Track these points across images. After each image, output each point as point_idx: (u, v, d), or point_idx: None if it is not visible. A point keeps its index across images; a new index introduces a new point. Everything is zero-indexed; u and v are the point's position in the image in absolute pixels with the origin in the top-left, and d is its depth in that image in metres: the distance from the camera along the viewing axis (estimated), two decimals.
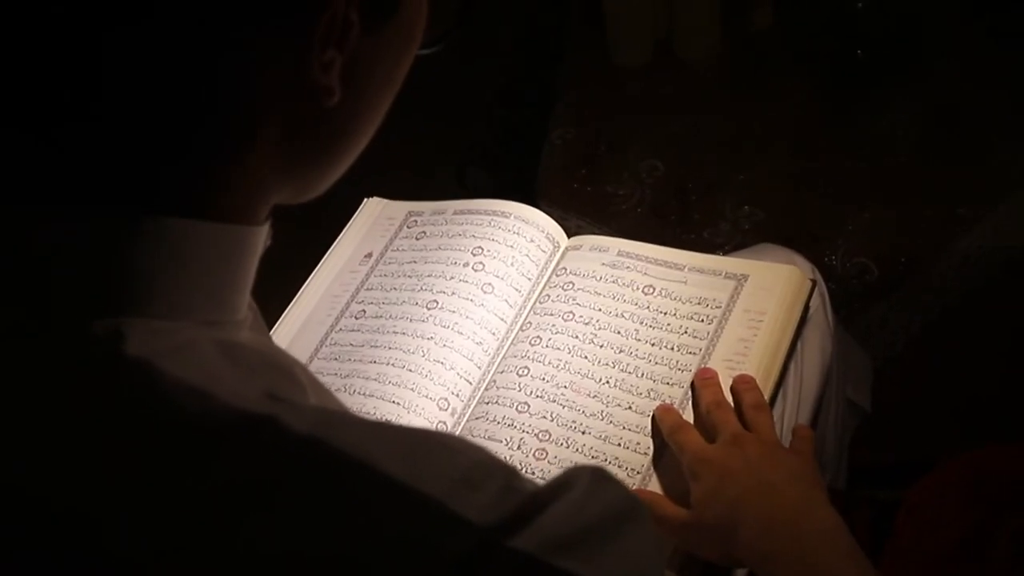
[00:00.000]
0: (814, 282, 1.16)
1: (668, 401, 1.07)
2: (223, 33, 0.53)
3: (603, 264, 1.19)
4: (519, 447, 1.06)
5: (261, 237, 0.62)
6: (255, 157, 0.58)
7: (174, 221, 0.56)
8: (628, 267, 1.18)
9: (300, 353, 1.21)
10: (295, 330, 1.24)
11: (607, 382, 1.10)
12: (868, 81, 2.30)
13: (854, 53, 2.32)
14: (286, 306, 1.28)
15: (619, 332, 1.13)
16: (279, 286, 1.30)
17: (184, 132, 0.55)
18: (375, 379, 1.14)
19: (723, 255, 1.26)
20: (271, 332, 1.24)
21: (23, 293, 0.54)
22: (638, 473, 1.03)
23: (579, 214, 2.08)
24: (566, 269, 1.21)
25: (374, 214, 1.35)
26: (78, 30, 0.52)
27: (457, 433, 1.10)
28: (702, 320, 1.12)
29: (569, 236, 1.27)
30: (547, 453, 1.06)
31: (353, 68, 0.58)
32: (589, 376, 1.11)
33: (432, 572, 0.50)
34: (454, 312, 1.18)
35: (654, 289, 1.16)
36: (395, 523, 0.51)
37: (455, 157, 2.23)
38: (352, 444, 0.52)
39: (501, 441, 1.07)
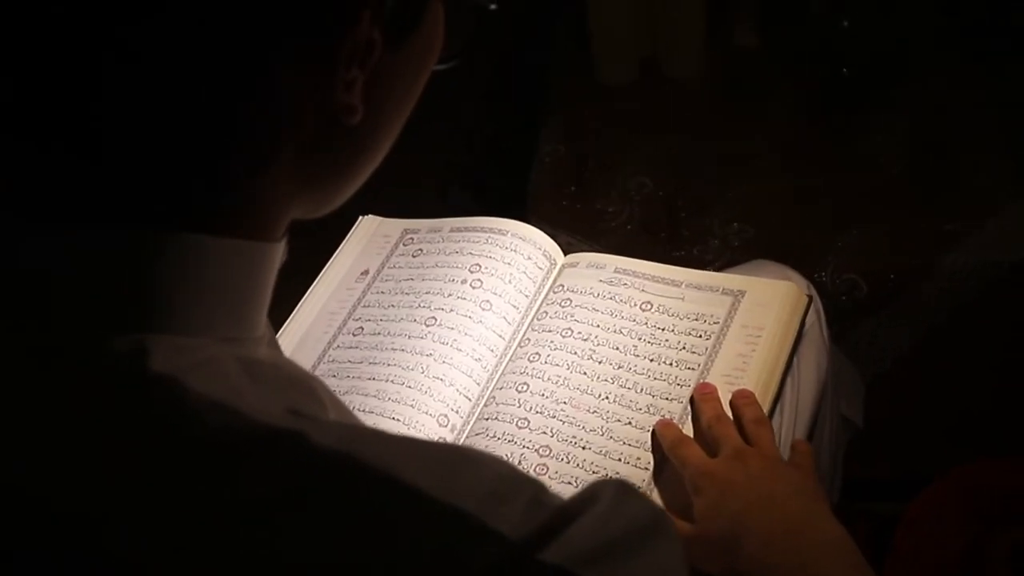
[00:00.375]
0: (810, 298, 1.17)
1: (667, 416, 1.07)
2: (249, 53, 0.53)
3: (600, 281, 1.20)
4: (520, 463, 1.06)
5: (279, 253, 0.62)
6: (276, 174, 0.58)
7: (196, 237, 0.56)
8: (625, 284, 1.19)
9: None
10: (292, 347, 1.25)
11: (606, 397, 1.10)
12: (854, 100, 2.31)
13: (839, 72, 2.34)
14: (282, 323, 1.28)
15: (617, 348, 1.14)
16: (274, 304, 1.30)
17: (207, 150, 0.55)
18: (374, 395, 1.14)
19: (716, 270, 1.27)
20: None
21: (47, 309, 0.54)
22: (639, 488, 1.03)
23: (569, 231, 2.08)
24: (563, 286, 1.21)
25: (369, 231, 1.36)
26: (104, 48, 0.52)
27: None
28: (700, 336, 1.13)
29: (563, 252, 1.27)
30: (548, 468, 1.06)
31: (374, 86, 0.59)
32: (588, 392, 1.11)
33: None
34: (452, 329, 1.18)
35: (652, 305, 1.17)
36: (426, 537, 0.51)
37: (436, 177, 2.23)
38: (379, 458, 0.52)
39: (502, 457, 1.07)
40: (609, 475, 1.04)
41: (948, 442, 1.73)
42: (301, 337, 1.25)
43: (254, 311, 0.61)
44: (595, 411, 1.09)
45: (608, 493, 0.56)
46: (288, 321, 1.28)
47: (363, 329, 1.23)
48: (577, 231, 2.11)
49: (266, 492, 0.51)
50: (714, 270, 1.27)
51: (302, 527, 0.50)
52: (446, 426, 1.11)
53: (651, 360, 1.12)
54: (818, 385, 1.20)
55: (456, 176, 2.21)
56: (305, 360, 1.22)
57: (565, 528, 0.52)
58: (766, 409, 1.06)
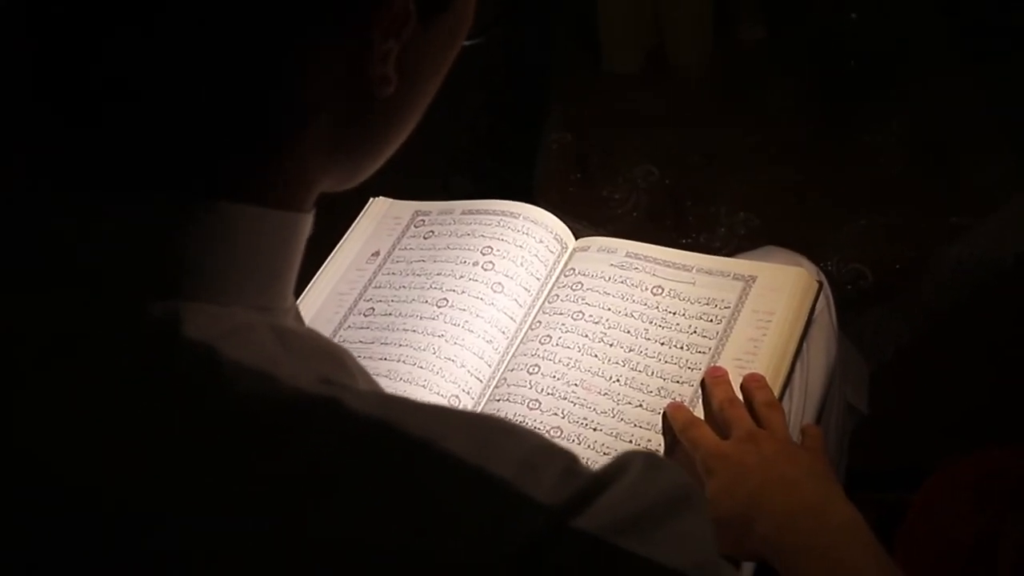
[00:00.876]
0: (821, 284, 1.17)
1: (678, 399, 1.08)
2: (288, 23, 0.54)
3: (611, 265, 1.20)
4: None
5: (309, 223, 0.63)
6: (309, 144, 0.59)
7: (230, 206, 0.56)
8: (636, 268, 1.19)
9: None
10: None
11: (617, 380, 1.11)
12: (860, 92, 2.32)
13: (846, 64, 2.34)
14: None
15: (629, 331, 1.14)
16: None
17: (242, 119, 0.56)
18: (386, 376, 1.14)
19: (737, 255, 1.27)
20: None
21: (81, 276, 0.55)
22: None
23: (574, 217, 2.09)
24: (575, 270, 1.21)
25: (380, 213, 1.36)
26: (142, 16, 0.52)
27: None
28: (711, 320, 1.14)
29: None
30: None
31: (406, 58, 0.59)
32: (600, 374, 1.11)
33: (502, 553, 0.50)
34: (464, 310, 1.18)
35: (663, 290, 1.17)
36: (464, 505, 0.51)
37: (439, 166, 2.23)
38: (416, 427, 0.53)
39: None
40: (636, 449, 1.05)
41: (951, 432, 1.74)
42: (311, 318, 1.26)
43: (284, 281, 0.62)
44: (606, 393, 1.10)
45: (638, 464, 0.56)
46: (298, 301, 1.27)
47: (374, 310, 1.23)
48: (583, 218, 2.11)
49: (304, 461, 0.51)
50: (722, 256, 1.27)
51: (341, 497, 0.51)
52: (458, 407, 1.12)
53: (662, 343, 1.13)
54: (827, 371, 1.21)
55: (459, 166, 2.22)
56: None
57: (598, 496, 0.53)
58: (776, 393, 1.07)
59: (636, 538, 0.52)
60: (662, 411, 1.07)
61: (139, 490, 0.52)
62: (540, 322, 1.18)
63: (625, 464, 0.56)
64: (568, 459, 0.55)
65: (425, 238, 1.29)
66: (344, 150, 0.61)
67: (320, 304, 1.27)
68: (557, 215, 1.29)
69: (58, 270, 0.55)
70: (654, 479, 0.56)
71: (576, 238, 1.28)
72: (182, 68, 0.54)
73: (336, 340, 1.22)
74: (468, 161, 2.23)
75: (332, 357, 0.61)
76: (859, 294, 1.97)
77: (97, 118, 0.55)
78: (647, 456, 0.58)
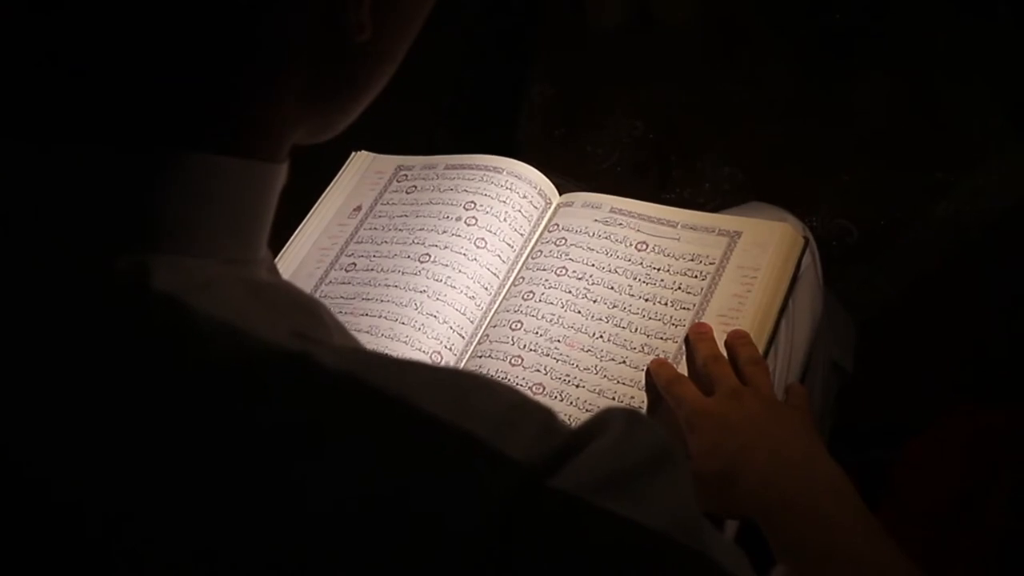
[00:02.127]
0: (807, 240, 1.17)
1: (662, 356, 1.07)
2: None
3: (595, 220, 1.19)
4: None
5: (282, 175, 0.61)
6: (282, 93, 0.57)
7: (199, 156, 0.55)
8: (621, 224, 1.18)
9: None
10: None
11: (600, 336, 1.10)
12: (845, 47, 2.30)
13: (832, 19, 2.32)
14: (272, 258, 1.27)
15: (612, 287, 1.13)
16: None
17: (213, 67, 0.54)
18: (367, 332, 1.13)
19: (724, 211, 1.26)
20: None
21: (47, 228, 0.53)
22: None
23: (558, 171, 2.07)
24: (559, 225, 1.20)
25: (362, 167, 1.34)
26: None
27: None
28: (695, 276, 1.13)
29: None
30: None
31: (382, 5, 0.58)
32: (582, 330, 1.10)
33: (478, 511, 0.49)
34: (447, 266, 1.17)
35: (647, 245, 1.16)
36: (439, 463, 0.50)
37: (422, 121, 2.21)
38: (391, 383, 0.51)
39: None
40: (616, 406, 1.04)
41: (936, 389, 1.73)
42: (292, 272, 1.25)
43: (257, 233, 0.60)
44: (589, 350, 1.09)
45: (618, 421, 0.55)
46: (279, 256, 1.27)
47: (356, 265, 1.22)
48: (567, 173, 2.09)
49: (276, 418, 0.50)
50: (707, 212, 1.26)
51: (316, 454, 0.50)
52: (439, 363, 1.11)
53: (646, 300, 1.12)
54: (812, 328, 1.20)
55: (443, 119, 2.20)
56: None
57: (577, 454, 0.52)
58: (761, 350, 1.06)
59: (615, 497, 0.51)
60: (645, 368, 1.06)
61: (107, 449, 0.51)
62: (523, 278, 1.17)
63: (604, 421, 0.55)
64: (545, 416, 0.54)
65: (408, 193, 1.28)
66: (319, 99, 0.60)
67: (301, 258, 1.26)
68: (541, 170, 1.28)
69: (21, 222, 0.53)
70: (634, 437, 0.55)
71: (560, 193, 1.27)
72: (148, 16, 0.52)
73: (317, 295, 1.20)
74: (452, 114, 2.21)
75: (306, 310, 0.60)
76: (844, 250, 1.97)
77: (59, 69, 0.53)
78: (627, 413, 0.57)
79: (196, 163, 0.55)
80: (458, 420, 0.51)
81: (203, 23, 0.53)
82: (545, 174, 1.28)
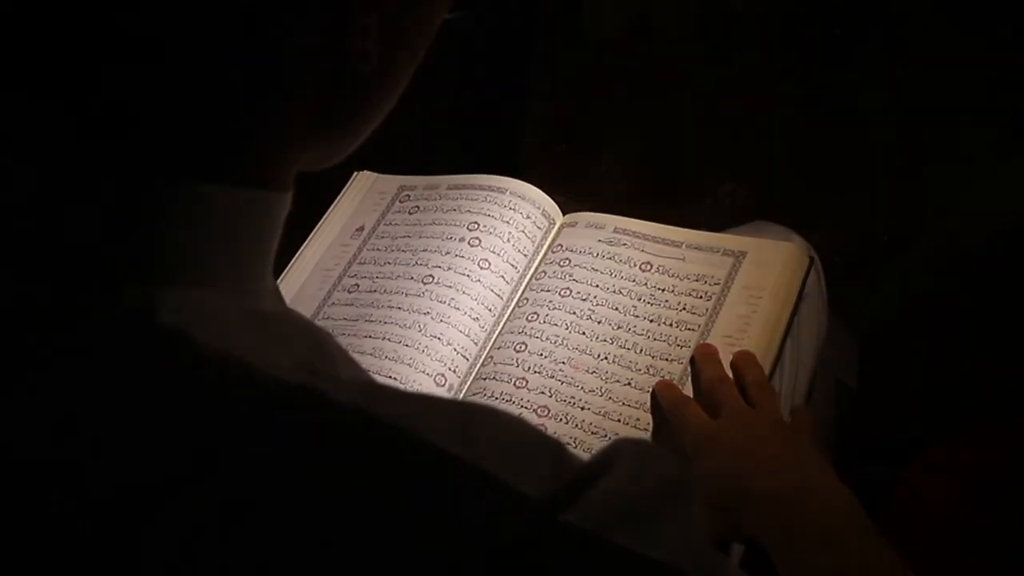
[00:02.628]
0: (812, 259, 1.16)
1: (667, 377, 1.07)
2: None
3: (599, 241, 1.19)
4: None
5: (287, 203, 0.61)
6: (287, 122, 0.57)
7: (204, 187, 0.55)
8: (625, 244, 1.18)
9: None
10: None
11: (605, 358, 1.09)
12: (845, 60, 2.30)
13: (832, 32, 2.32)
14: (275, 280, 1.26)
15: (617, 308, 1.13)
16: None
17: (215, 97, 0.54)
18: (371, 354, 1.13)
19: (709, 231, 1.26)
20: None
21: (51, 264, 0.53)
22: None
23: (560, 189, 2.07)
24: (562, 246, 1.20)
25: (364, 188, 1.34)
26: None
27: None
28: (700, 296, 1.12)
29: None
30: (546, 428, 1.05)
31: (388, 34, 0.58)
32: (587, 352, 1.10)
33: (489, 547, 0.49)
34: (450, 287, 1.17)
35: (651, 266, 1.16)
36: (448, 499, 0.50)
37: (425, 139, 2.21)
38: (400, 417, 0.51)
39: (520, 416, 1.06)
40: (608, 436, 1.04)
41: (940, 407, 1.73)
42: (295, 294, 1.24)
43: (262, 262, 0.60)
44: (594, 371, 1.09)
45: (629, 453, 0.55)
46: (281, 278, 1.26)
47: (359, 286, 1.21)
48: (569, 191, 2.08)
49: (282, 452, 0.50)
50: (707, 230, 1.26)
51: (318, 489, 0.49)
52: (443, 386, 1.11)
53: (651, 321, 1.12)
54: (818, 347, 1.20)
55: (445, 138, 2.19)
56: None
57: (588, 489, 0.51)
58: (766, 370, 1.06)
59: (627, 531, 0.51)
60: (651, 389, 1.06)
61: (114, 483, 0.50)
62: (527, 299, 1.17)
63: (615, 454, 0.54)
64: (556, 449, 0.53)
65: (410, 213, 1.28)
66: (324, 127, 0.60)
67: (304, 280, 1.26)
68: (543, 188, 1.28)
69: (29, 258, 0.53)
70: (646, 470, 0.54)
71: (563, 211, 1.27)
72: (149, 48, 0.52)
73: (320, 317, 1.20)
74: (452, 132, 2.21)
75: (313, 341, 0.59)
76: (847, 267, 1.96)
77: (67, 99, 0.53)
78: (638, 445, 0.56)
79: (201, 194, 0.55)
80: (468, 455, 0.50)
81: (207, 55, 0.52)
82: (547, 192, 1.28)
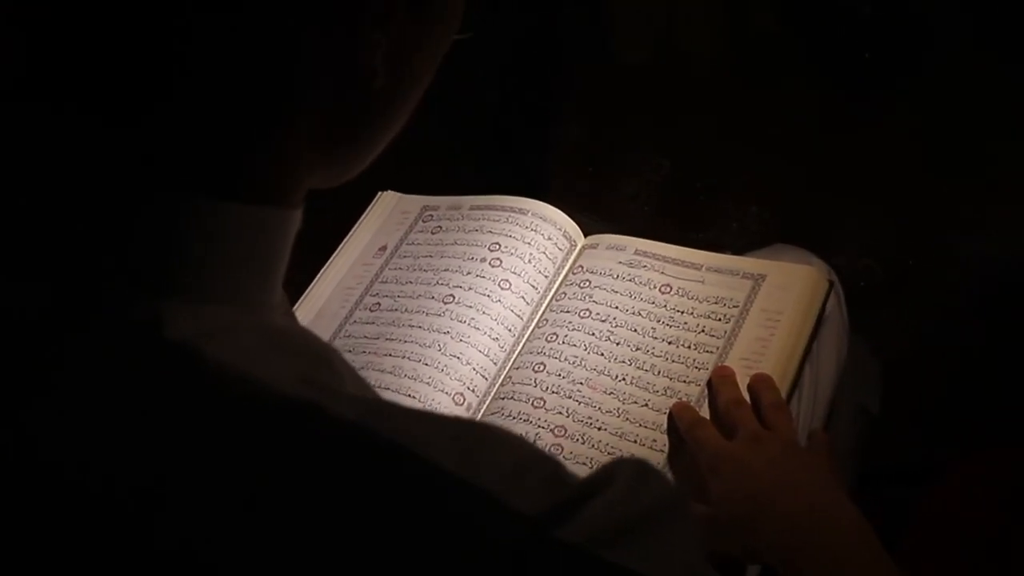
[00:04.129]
0: (831, 283, 1.16)
1: (684, 399, 1.07)
2: (274, 15, 0.53)
3: (620, 263, 1.19)
4: (534, 442, 1.06)
5: (297, 219, 0.62)
6: (297, 140, 0.58)
7: (213, 204, 0.56)
8: (645, 266, 1.19)
9: None
10: (307, 321, 1.24)
11: (623, 379, 1.10)
12: (874, 83, 2.30)
13: (861, 55, 2.32)
14: (298, 297, 1.28)
15: (636, 330, 1.13)
16: (290, 277, 1.30)
17: (224, 114, 0.55)
18: (390, 372, 1.14)
19: (732, 254, 1.26)
20: None
21: (63, 275, 0.54)
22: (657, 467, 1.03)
23: (584, 211, 2.07)
24: (583, 267, 1.21)
25: (388, 207, 1.35)
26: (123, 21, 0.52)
27: None
28: (719, 319, 1.13)
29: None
30: (563, 448, 1.06)
31: (395, 52, 0.58)
32: (605, 373, 1.11)
33: (485, 564, 0.49)
34: (471, 307, 1.18)
35: (671, 288, 1.16)
36: (448, 514, 0.50)
37: (451, 159, 2.22)
38: (399, 433, 0.52)
39: (520, 435, 1.07)
40: (625, 456, 1.04)
41: (962, 429, 1.72)
42: (317, 312, 1.25)
43: (270, 278, 0.61)
44: (612, 392, 1.09)
45: (626, 472, 0.55)
46: (304, 295, 1.28)
47: (380, 305, 1.22)
48: (593, 212, 2.09)
49: (283, 467, 0.51)
50: (731, 253, 1.26)
51: (317, 505, 0.50)
52: (462, 405, 1.11)
53: (669, 343, 1.12)
54: (837, 371, 1.20)
55: (471, 159, 2.20)
56: (321, 335, 1.22)
57: (584, 506, 0.52)
58: (784, 393, 1.06)
59: (622, 549, 0.51)
60: (668, 411, 1.06)
61: (115, 488, 0.51)
62: (547, 320, 1.17)
63: (613, 473, 0.55)
64: (554, 467, 0.54)
65: (433, 233, 1.29)
66: (333, 145, 0.61)
67: (326, 298, 1.27)
68: (567, 209, 1.29)
69: (42, 268, 0.54)
70: (642, 488, 0.55)
71: (586, 233, 1.27)
72: (164, 63, 0.53)
73: (341, 335, 1.21)
74: (479, 153, 2.22)
75: (320, 357, 0.60)
76: (871, 289, 1.96)
77: (76, 114, 0.54)
78: (636, 464, 0.57)
79: (210, 210, 0.56)
80: (465, 473, 0.51)
81: (217, 74, 0.54)
82: (571, 213, 1.28)
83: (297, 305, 1.26)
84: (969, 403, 1.75)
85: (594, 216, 2.07)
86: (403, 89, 0.62)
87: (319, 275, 1.30)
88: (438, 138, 2.14)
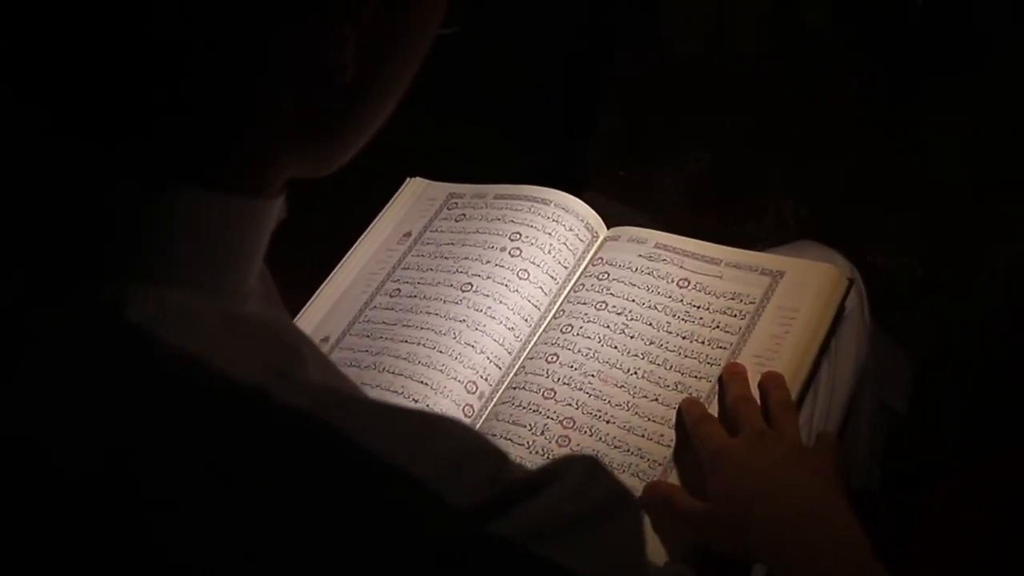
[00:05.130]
0: (851, 281, 1.15)
1: (695, 395, 1.07)
2: (237, 7, 0.53)
3: (639, 256, 1.19)
4: (542, 433, 1.06)
5: (272, 210, 0.62)
6: (266, 130, 0.58)
7: (182, 190, 0.56)
8: (664, 260, 1.18)
9: (333, 328, 1.22)
10: (329, 305, 1.25)
11: (635, 373, 1.10)
12: (921, 81, 2.27)
13: (909, 51, 2.30)
14: (322, 280, 1.29)
15: (651, 324, 1.13)
16: (316, 260, 1.31)
17: (191, 103, 0.55)
18: (405, 358, 1.14)
19: (764, 249, 1.25)
20: (306, 306, 1.25)
21: (32, 258, 0.55)
22: (659, 464, 1.03)
23: (622, 201, 2.07)
24: (603, 259, 1.20)
25: (415, 194, 1.36)
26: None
27: (483, 417, 1.10)
28: (735, 315, 1.12)
29: (611, 223, 1.27)
30: (570, 440, 1.06)
31: (369, 47, 0.59)
32: (617, 366, 1.10)
33: (412, 554, 0.50)
34: (488, 296, 1.18)
35: (689, 283, 1.16)
36: (378, 505, 0.51)
37: (509, 141, 2.22)
38: (346, 424, 0.53)
39: (525, 426, 1.07)
40: (632, 451, 1.04)
41: (997, 433, 1.70)
42: (340, 295, 1.26)
43: (243, 265, 0.61)
44: (622, 386, 1.09)
45: (576, 469, 0.55)
46: (328, 279, 1.28)
47: (400, 291, 1.23)
48: (631, 202, 2.09)
49: (224, 453, 0.51)
50: (765, 248, 1.26)
51: (256, 489, 0.51)
52: (474, 393, 1.12)
53: (683, 338, 1.12)
54: (856, 370, 1.19)
55: (529, 142, 2.20)
56: (341, 318, 1.23)
57: (524, 502, 0.52)
58: (796, 392, 1.05)
59: (557, 545, 0.52)
60: (678, 406, 1.06)
61: (75, 475, 0.52)
62: (564, 311, 1.17)
63: (563, 468, 0.55)
64: (498, 461, 0.55)
65: (456, 221, 1.29)
66: (308, 137, 0.61)
67: (349, 283, 1.27)
68: (603, 199, 1.28)
69: (12, 256, 0.55)
70: (589, 485, 0.55)
71: (620, 221, 1.26)
72: (128, 52, 0.53)
73: (361, 319, 1.22)
74: (523, 141, 2.22)
75: (287, 345, 0.61)
76: (908, 288, 1.94)
77: (46, 100, 0.55)
78: (586, 461, 0.57)
79: (177, 196, 0.56)
80: (405, 463, 0.51)
81: (184, 61, 0.54)
82: (608, 203, 1.28)
83: (320, 288, 1.27)
84: (997, 408, 1.73)
85: (630, 205, 2.07)
86: (380, 82, 0.62)
87: (344, 259, 1.30)
88: (484, 123, 2.15)
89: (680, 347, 1.11)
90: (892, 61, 2.32)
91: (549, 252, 1.21)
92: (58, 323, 0.54)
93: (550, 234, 1.22)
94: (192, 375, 0.53)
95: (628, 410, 1.07)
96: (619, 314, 1.14)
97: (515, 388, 1.12)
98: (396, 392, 1.11)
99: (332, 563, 0.50)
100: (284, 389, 0.53)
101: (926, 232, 2.01)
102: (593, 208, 1.26)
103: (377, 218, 1.34)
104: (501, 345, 1.15)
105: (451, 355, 1.14)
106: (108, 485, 0.52)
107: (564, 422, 1.07)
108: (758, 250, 1.22)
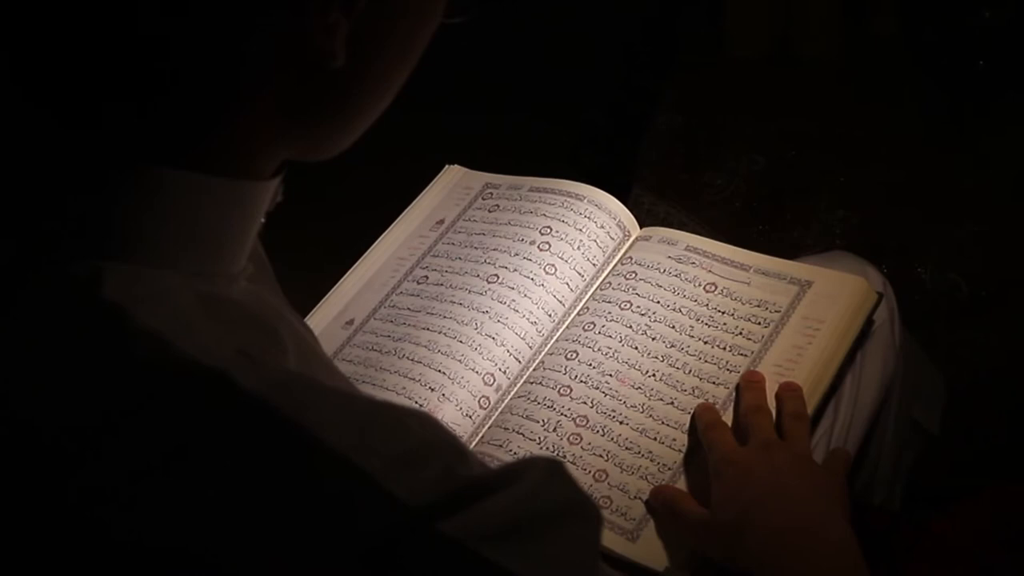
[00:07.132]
0: (880, 295, 1.13)
1: (712, 400, 1.06)
2: None
3: (669, 257, 1.18)
4: (554, 429, 1.06)
5: (264, 193, 0.62)
6: (255, 114, 0.58)
7: (164, 171, 0.57)
8: (693, 263, 1.17)
9: (359, 311, 1.22)
10: (357, 288, 1.25)
11: (653, 375, 1.09)
12: (987, 94, 2.23)
13: (975, 64, 2.25)
14: (352, 263, 1.29)
15: (673, 327, 1.12)
16: (349, 243, 1.31)
17: (179, 85, 0.56)
18: (425, 346, 1.14)
19: (803, 258, 1.24)
20: (334, 288, 1.25)
21: (9, 233, 0.55)
22: (669, 469, 1.02)
23: (671, 201, 2.05)
24: (631, 258, 1.19)
25: (452, 181, 1.36)
26: None
27: (498, 410, 1.10)
28: (759, 323, 1.11)
29: (656, 223, 1.25)
30: (582, 439, 1.05)
31: (363, 34, 0.58)
32: (636, 367, 1.10)
33: (354, 546, 0.50)
34: (513, 289, 1.17)
35: (716, 287, 1.14)
36: (323, 495, 0.51)
37: (569, 136, 2.21)
38: (302, 410, 0.52)
39: (538, 422, 1.07)
40: (642, 453, 1.03)
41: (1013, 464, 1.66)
42: (368, 279, 1.26)
43: (231, 247, 0.61)
44: (639, 387, 1.08)
45: (534, 472, 0.55)
46: (358, 262, 1.28)
47: (428, 279, 1.23)
48: (682, 203, 2.07)
49: (179, 434, 0.51)
50: (806, 256, 1.24)
51: (205, 470, 0.51)
52: (491, 385, 1.11)
53: (705, 342, 1.10)
54: (881, 385, 1.17)
55: (589, 138, 2.20)
56: (368, 302, 1.23)
57: (476, 501, 0.52)
58: (814, 404, 1.04)
59: (503, 546, 0.51)
60: (692, 411, 1.05)
61: (39, 448, 0.52)
62: (588, 308, 1.17)
63: (522, 469, 0.55)
64: (454, 458, 0.54)
65: (490, 211, 1.29)
66: (300, 122, 0.61)
67: (378, 267, 1.27)
68: (650, 198, 1.27)
69: None
70: (546, 489, 0.54)
71: (665, 222, 1.25)
72: (110, 36, 0.54)
73: (386, 304, 1.22)
74: (597, 134, 2.21)
75: (264, 329, 0.61)
76: (953, 306, 1.90)
77: (25, 78, 0.55)
78: (550, 463, 0.56)
79: (162, 178, 0.57)
80: (354, 455, 0.51)
81: (171, 45, 0.54)
82: (656, 203, 1.27)
83: (350, 271, 1.27)
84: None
85: (678, 206, 2.06)
86: (375, 71, 0.62)
87: (375, 243, 1.30)
88: (540, 117, 2.14)
89: (701, 352, 1.10)
90: (956, 75, 2.28)
91: (578, 248, 1.20)
92: (32, 299, 0.54)
93: (581, 230, 1.22)
94: (155, 355, 0.53)
95: (642, 412, 1.06)
96: (643, 315, 1.14)
97: (532, 383, 1.11)
98: (413, 379, 1.11)
99: (264, 546, 0.50)
100: (246, 372, 0.53)
101: (975, 251, 1.97)
102: (640, 207, 1.25)
103: (412, 203, 1.34)
104: (522, 339, 1.14)
105: (471, 346, 1.13)
106: (75, 459, 0.52)
107: (577, 420, 1.06)
108: (800, 257, 1.21)
